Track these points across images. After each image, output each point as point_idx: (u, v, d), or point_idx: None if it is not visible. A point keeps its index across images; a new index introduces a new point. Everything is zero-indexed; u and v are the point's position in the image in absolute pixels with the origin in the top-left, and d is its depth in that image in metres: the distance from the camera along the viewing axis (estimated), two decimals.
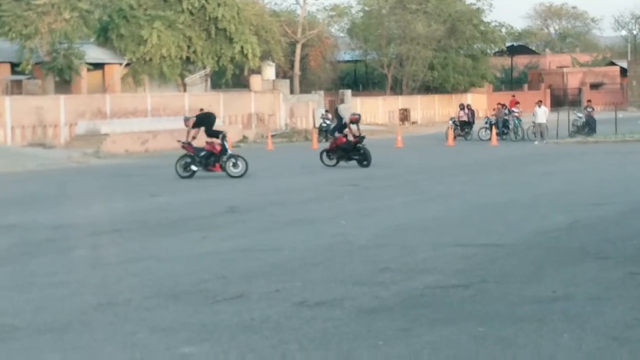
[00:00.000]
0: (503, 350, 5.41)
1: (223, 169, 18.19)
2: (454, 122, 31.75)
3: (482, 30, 50.17)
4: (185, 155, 18.49)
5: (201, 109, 33.63)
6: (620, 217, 11.23)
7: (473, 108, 35.15)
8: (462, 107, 33.42)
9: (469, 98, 48.61)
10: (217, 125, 21.05)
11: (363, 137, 20.40)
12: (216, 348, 5.57)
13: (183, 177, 18.24)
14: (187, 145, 18.46)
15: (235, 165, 18.24)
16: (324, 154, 20.64)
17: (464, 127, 32.08)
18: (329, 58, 49.83)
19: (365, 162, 20.13)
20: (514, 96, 39.09)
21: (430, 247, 9.11)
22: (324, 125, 35.48)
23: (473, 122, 32.79)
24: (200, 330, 5.95)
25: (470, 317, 6.13)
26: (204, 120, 18.95)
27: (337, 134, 20.68)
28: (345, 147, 20.23)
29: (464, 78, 49.27)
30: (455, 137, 30.32)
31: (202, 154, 18.26)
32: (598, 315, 6.13)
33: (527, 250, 8.84)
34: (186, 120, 19.51)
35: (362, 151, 20.27)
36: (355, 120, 20.71)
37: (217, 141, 18.38)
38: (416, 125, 45.10)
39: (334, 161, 20.35)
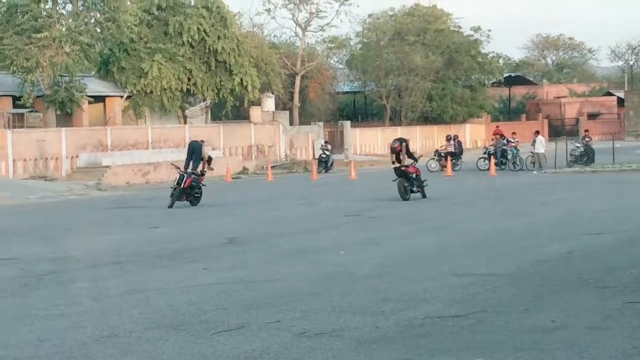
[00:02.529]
0: None
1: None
2: (437, 154, 32.14)
3: (480, 61, 50.62)
4: (404, 179, 18.92)
5: (202, 141, 33.87)
6: (618, 246, 11.26)
7: (460, 139, 35.43)
8: (448, 138, 33.69)
9: (467, 128, 48.84)
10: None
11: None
12: None
13: (406, 200, 18.60)
14: (410, 167, 19.07)
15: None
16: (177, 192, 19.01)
17: (451, 158, 32.28)
18: (328, 89, 50.18)
19: (196, 202, 19.20)
20: (497, 126, 39.37)
21: (429, 276, 9.14)
22: (324, 156, 35.62)
23: (461, 153, 33.06)
24: None
25: (470, 347, 6.15)
26: (406, 144, 19.93)
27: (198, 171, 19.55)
28: (193, 185, 19.27)
29: (462, 109, 49.57)
30: (442, 168, 30.64)
31: (414, 175, 19.16)
32: (597, 344, 6.15)
33: (525, 280, 8.87)
34: (397, 144, 20.02)
35: (199, 190, 19.46)
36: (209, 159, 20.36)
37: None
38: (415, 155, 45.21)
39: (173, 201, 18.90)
